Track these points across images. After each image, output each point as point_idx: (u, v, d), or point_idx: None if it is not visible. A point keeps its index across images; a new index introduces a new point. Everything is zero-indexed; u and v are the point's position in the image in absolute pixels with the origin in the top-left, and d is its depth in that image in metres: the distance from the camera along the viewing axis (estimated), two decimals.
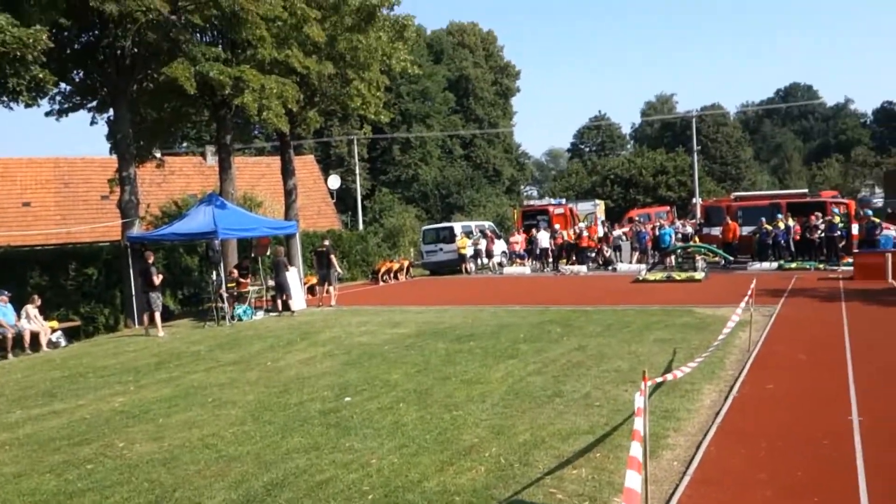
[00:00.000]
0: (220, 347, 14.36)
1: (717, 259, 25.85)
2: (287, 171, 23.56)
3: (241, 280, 19.65)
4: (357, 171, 49.90)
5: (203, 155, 39.46)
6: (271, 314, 19.36)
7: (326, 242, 21.61)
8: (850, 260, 21.95)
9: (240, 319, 18.20)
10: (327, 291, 20.82)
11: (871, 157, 79.97)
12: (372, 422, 8.16)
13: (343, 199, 53.85)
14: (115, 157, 20.03)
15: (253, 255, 21.77)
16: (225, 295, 18.04)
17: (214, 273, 18.54)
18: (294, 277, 20.18)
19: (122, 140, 18.93)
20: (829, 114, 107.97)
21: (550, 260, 29.65)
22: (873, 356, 10.31)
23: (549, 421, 7.81)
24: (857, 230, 24.27)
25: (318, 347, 13.58)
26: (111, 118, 19.73)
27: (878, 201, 53.01)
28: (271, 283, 20.59)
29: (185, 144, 49.26)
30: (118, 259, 19.36)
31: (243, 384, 10.67)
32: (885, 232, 23.36)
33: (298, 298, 20.19)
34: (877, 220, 23.75)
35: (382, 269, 28.73)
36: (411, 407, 8.71)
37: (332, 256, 20.95)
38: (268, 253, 21.49)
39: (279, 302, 19.58)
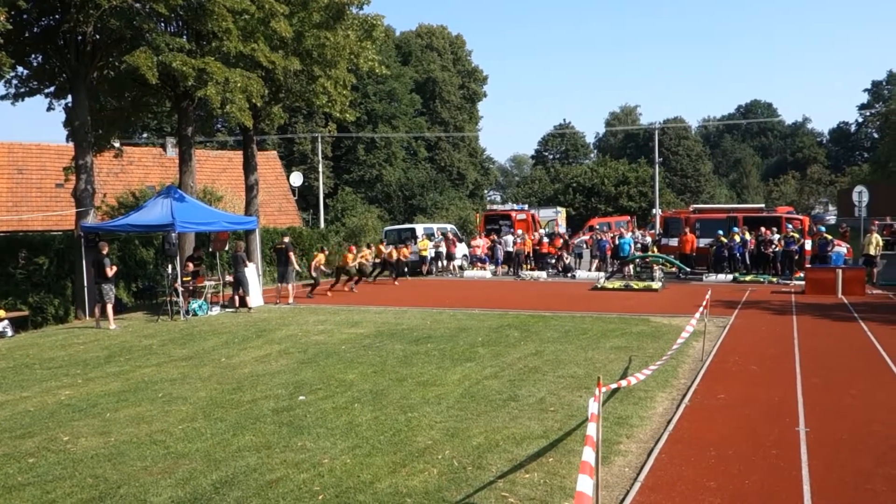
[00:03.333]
0: (172, 342, 14.11)
1: (674, 269, 26.19)
2: (249, 167, 23.30)
3: (198, 274, 19.34)
4: (320, 169, 49.61)
5: (163, 146, 38.90)
6: (227, 310, 19.09)
7: (286, 239, 21.37)
8: (803, 275, 22.39)
9: (195, 314, 17.91)
10: (285, 289, 20.62)
11: (825, 176, 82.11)
12: (326, 421, 8.07)
13: (305, 197, 53.49)
14: (71, 144, 19.60)
15: (211, 249, 21.46)
16: (180, 289, 17.73)
17: (170, 266, 18.22)
18: (252, 273, 19.93)
19: (80, 128, 18.51)
20: (788, 132, 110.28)
21: (512, 265, 29.77)
22: (821, 369, 10.52)
23: (504, 425, 7.82)
24: (809, 246, 24.79)
25: (274, 345, 13.42)
26: (69, 105, 19.32)
27: (832, 219, 54.31)
28: (228, 278, 20.32)
29: (145, 135, 48.51)
30: (71, 249, 18.94)
31: (195, 380, 10.49)
32: (836, 249, 23.93)
33: (256, 295, 19.95)
34: (829, 237, 24.30)
35: (350, 262, 24.06)
36: (366, 407, 8.64)
37: (291, 254, 20.76)
38: (226, 248, 21.20)
39: (236, 298, 19.33)
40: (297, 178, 42.23)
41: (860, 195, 26.14)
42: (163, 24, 19.09)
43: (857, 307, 17.57)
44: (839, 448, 6.96)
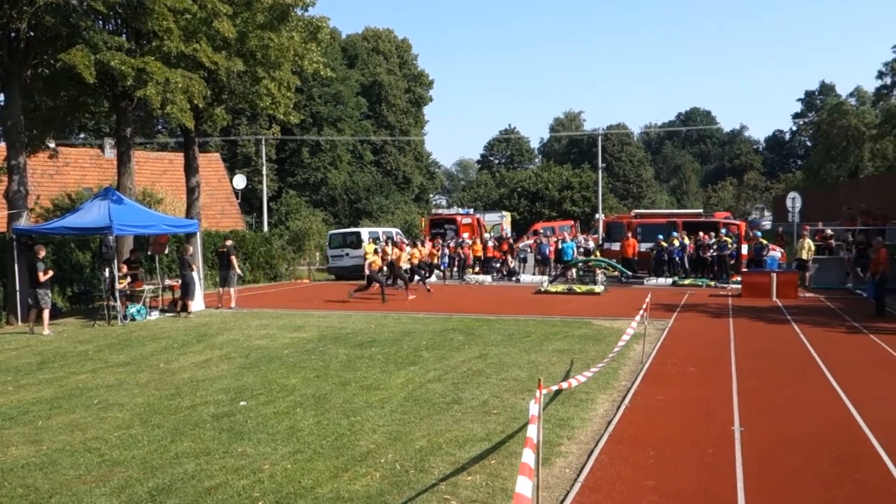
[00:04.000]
0: (109, 348, 13.75)
1: (616, 273, 26.58)
2: (190, 169, 22.87)
3: (136, 278, 18.90)
4: (264, 172, 49.04)
5: (101, 147, 37.89)
6: (167, 315, 18.70)
7: (228, 243, 21.05)
8: (739, 278, 22.98)
9: (133, 319, 17.49)
10: (227, 293, 20.30)
11: (761, 182, 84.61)
12: (267, 427, 7.98)
13: (248, 200, 52.83)
14: (3, 144, 18.97)
15: (150, 252, 21.00)
16: (118, 293, 17.30)
17: (107, 270, 17.77)
18: (195, 277, 19.56)
19: (13, 127, 17.90)
20: (726, 139, 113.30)
21: (455, 269, 29.85)
22: (756, 370, 10.81)
23: (447, 428, 7.83)
24: (746, 250, 25.44)
25: (215, 350, 13.20)
26: (1, 104, 18.68)
27: (767, 224, 55.89)
28: (168, 281, 19.91)
29: (82, 135, 47.24)
30: (3, 252, 18.32)
31: (132, 386, 10.24)
32: (771, 253, 24.61)
33: (197, 299, 19.58)
34: (764, 242, 24.97)
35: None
36: (308, 412, 8.56)
37: (233, 257, 20.45)
38: (165, 251, 20.77)
39: (179, 302, 18.95)
40: (240, 181, 41.58)
41: (793, 201, 26.90)
42: (101, 22, 18.62)
43: (790, 310, 18.10)
44: (772, 446, 7.16)
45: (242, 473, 6.49)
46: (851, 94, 59.80)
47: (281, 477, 6.38)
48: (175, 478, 6.41)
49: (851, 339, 13.88)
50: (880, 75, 50.37)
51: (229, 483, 6.26)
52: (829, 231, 26.70)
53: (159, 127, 43.51)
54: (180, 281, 19.23)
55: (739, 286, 22.22)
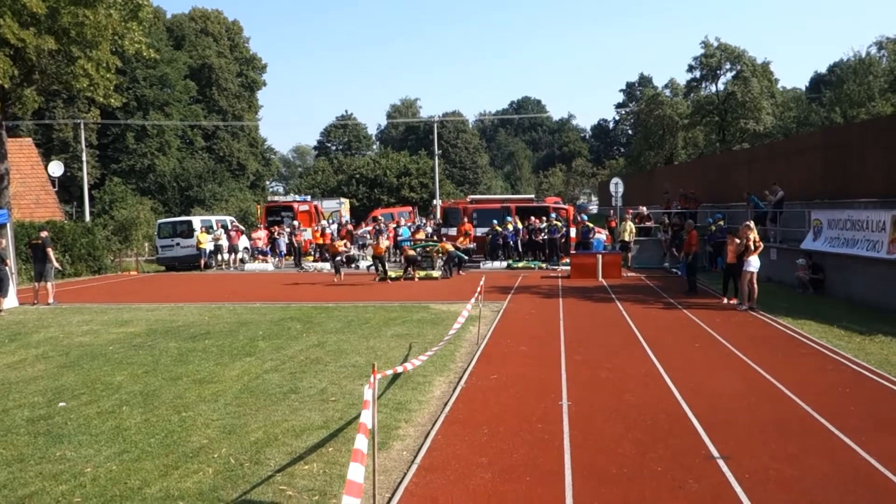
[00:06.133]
0: None
1: None
2: None
3: None
4: (84, 158, 45.97)
5: None
6: None
7: (43, 234, 19.54)
8: (569, 260, 24.17)
9: None
10: (43, 288, 18.85)
11: (588, 168, 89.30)
12: (89, 428, 7.52)
13: (68, 189, 49.35)
14: None
15: None
16: None
17: None
18: (8, 272, 17.99)
19: None
20: (556, 127, 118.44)
21: (293, 257, 29.41)
22: (582, 347, 11.44)
23: (284, 418, 7.72)
24: (574, 233, 26.79)
25: (30, 349, 12.24)
26: None
27: (594, 208, 59.05)
28: None
29: None
30: None
31: None
32: (597, 236, 26.08)
33: (10, 295, 18.05)
34: (590, 225, 26.41)
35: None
36: (135, 410, 8.15)
37: (49, 250, 19.02)
38: None
39: None
40: (56, 168, 38.47)
41: (616, 186, 28.56)
42: None
43: (614, 289, 19.26)
44: (596, 418, 7.61)
45: (62, 479, 6.08)
46: (666, 86, 63.94)
47: (105, 479, 6.05)
48: None
49: (668, 314, 14.99)
50: (690, 69, 54.21)
51: (47, 490, 5.85)
52: (647, 214, 28.62)
53: None
54: None
55: (568, 268, 23.34)
